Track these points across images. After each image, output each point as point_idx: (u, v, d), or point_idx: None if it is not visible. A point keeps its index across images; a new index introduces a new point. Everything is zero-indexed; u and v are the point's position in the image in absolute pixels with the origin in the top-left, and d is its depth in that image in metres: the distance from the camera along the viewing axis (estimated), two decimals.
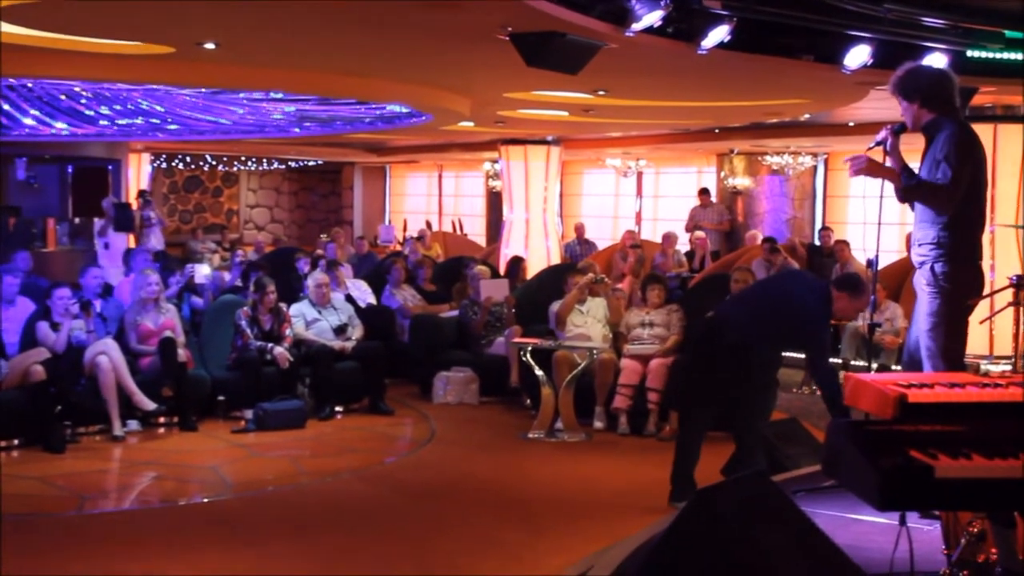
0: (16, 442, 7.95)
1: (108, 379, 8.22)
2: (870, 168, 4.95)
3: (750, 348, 6.37)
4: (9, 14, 6.85)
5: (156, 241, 15.94)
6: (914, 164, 5.16)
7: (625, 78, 9.27)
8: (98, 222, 16.16)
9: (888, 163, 5.13)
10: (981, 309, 5.24)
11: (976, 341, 5.46)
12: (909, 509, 3.87)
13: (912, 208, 5.07)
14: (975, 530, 3.86)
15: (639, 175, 20.04)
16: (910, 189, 4.87)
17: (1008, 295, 5.45)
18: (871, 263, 6.00)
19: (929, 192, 4.81)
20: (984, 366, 8.49)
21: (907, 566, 4.05)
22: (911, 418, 3.40)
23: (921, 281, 4.91)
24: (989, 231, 8.92)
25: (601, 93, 10.27)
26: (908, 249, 5.28)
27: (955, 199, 4.76)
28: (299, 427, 8.74)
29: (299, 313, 9.64)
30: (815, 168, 17.32)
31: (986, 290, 5.18)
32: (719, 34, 6.94)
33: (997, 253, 9.81)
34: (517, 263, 12.65)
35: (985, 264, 5.11)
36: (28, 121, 13.20)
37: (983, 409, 3.51)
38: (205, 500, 6.90)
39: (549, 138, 15.92)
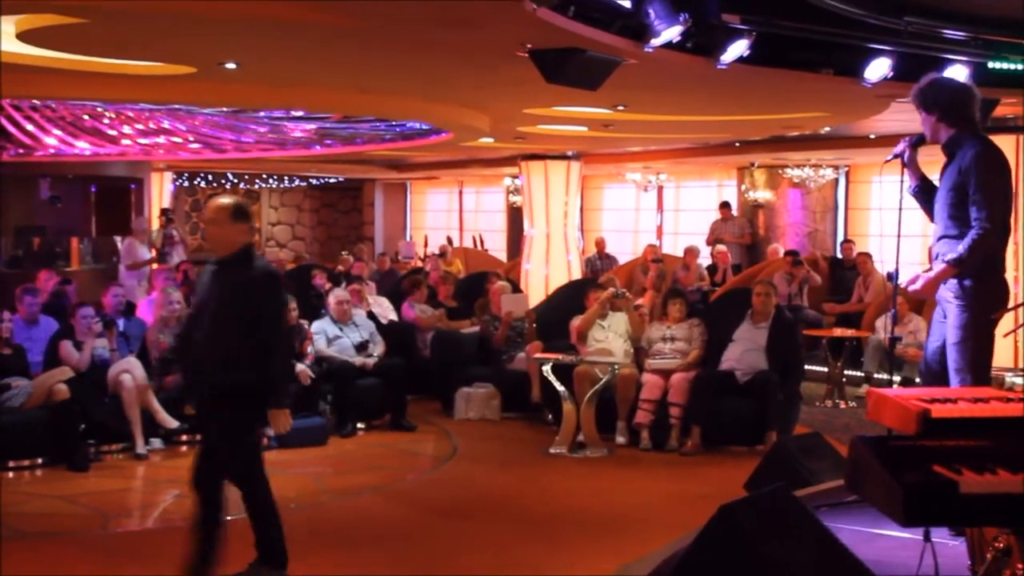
0: (40, 461, 8.00)
1: (131, 397, 8.26)
2: (930, 285, 4.92)
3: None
4: (33, 37, 6.92)
5: (178, 259, 16.00)
6: (933, 176, 5.16)
7: (645, 93, 9.27)
8: (121, 242, 16.22)
9: (906, 175, 5.13)
10: (1005, 322, 5.21)
11: (1000, 354, 5.42)
12: (934, 525, 3.84)
13: (932, 220, 5.05)
14: (1001, 545, 3.82)
15: (659, 189, 20.02)
16: (966, 260, 4.78)
17: None
18: (891, 276, 5.98)
19: (980, 247, 4.74)
20: (1009, 379, 8.44)
21: None
22: (935, 433, 3.38)
23: (948, 295, 4.88)
24: (1012, 243, 8.87)
25: (621, 108, 10.28)
26: (931, 262, 5.20)
27: (1002, 227, 4.76)
28: (321, 444, 8.76)
29: (320, 330, 9.67)
30: (836, 181, 17.27)
31: (1011, 302, 5.15)
32: (738, 49, 6.94)
33: (1021, 265, 9.75)
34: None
35: (1009, 276, 5.09)
36: (51, 141, 13.30)
37: (1008, 424, 3.48)
38: (227, 518, 6.90)
39: (569, 153, 15.92)
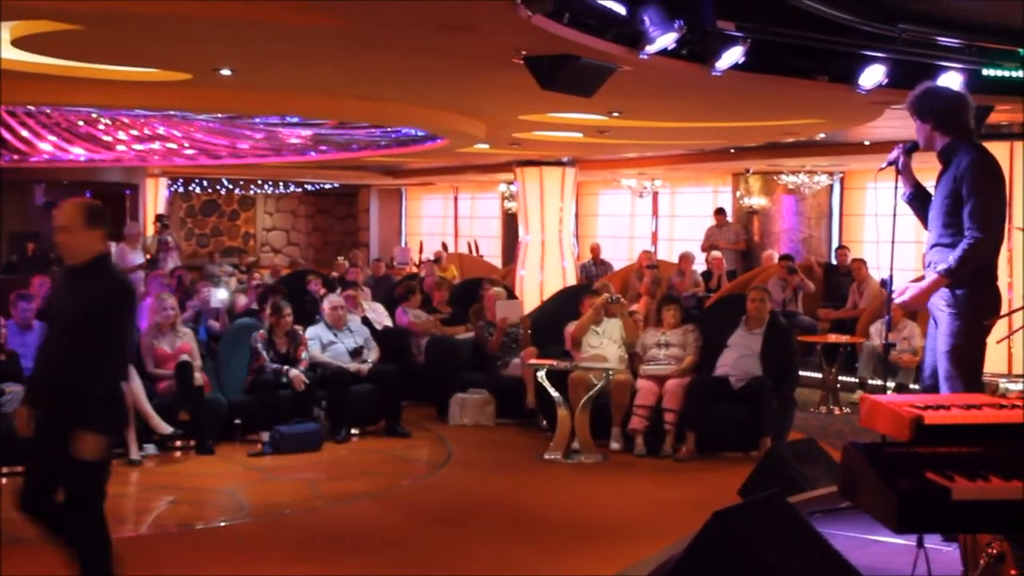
0: None
1: (125, 403, 8.24)
2: (921, 297, 4.90)
3: None
4: (28, 43, 6.92)
5: (173, 265, 15.99)
6: (927, 183, 5.17)
7: (639, 100, 9.28)
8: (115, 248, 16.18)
9: (900, 182, 5.14)
10: (998, 328, 5.22)
11: (993, 360, 5.42)
12: (926, 531, 3.86)
13: (927, 227, 5.06)
14: (994, 551, 3.83)
15: (655, 195, 20.03)
16: (956, 271, 4.77)
17: None
18: (885, 282, 5.99)
19: (971, 257, 4.72)
20: (1003, 385, 8.46)
21: None
22: (928, 440, 3.39)
23: (940, 303, 4.89)
24: (1006, 251, 8.88)
25: (616, 115, 10.29)
26: (925, 268, 5.20)
27: (996, 235, 4.76)
28: (315, 450, 8.76)
29: (315, 336, 9.67)
30: (831, 187, 17.29)
31: (1003, 309, 5.16)
32: (733, 55, 6.94)
33: (1014, 272, 9.76)
34: None
35: (1002, 283, 5.10)
36: (46, 147, 13.30)
37: (1001, 430, 3.49)
38: (222, 524, 6.91)
39: (564, 159, 15.94)
